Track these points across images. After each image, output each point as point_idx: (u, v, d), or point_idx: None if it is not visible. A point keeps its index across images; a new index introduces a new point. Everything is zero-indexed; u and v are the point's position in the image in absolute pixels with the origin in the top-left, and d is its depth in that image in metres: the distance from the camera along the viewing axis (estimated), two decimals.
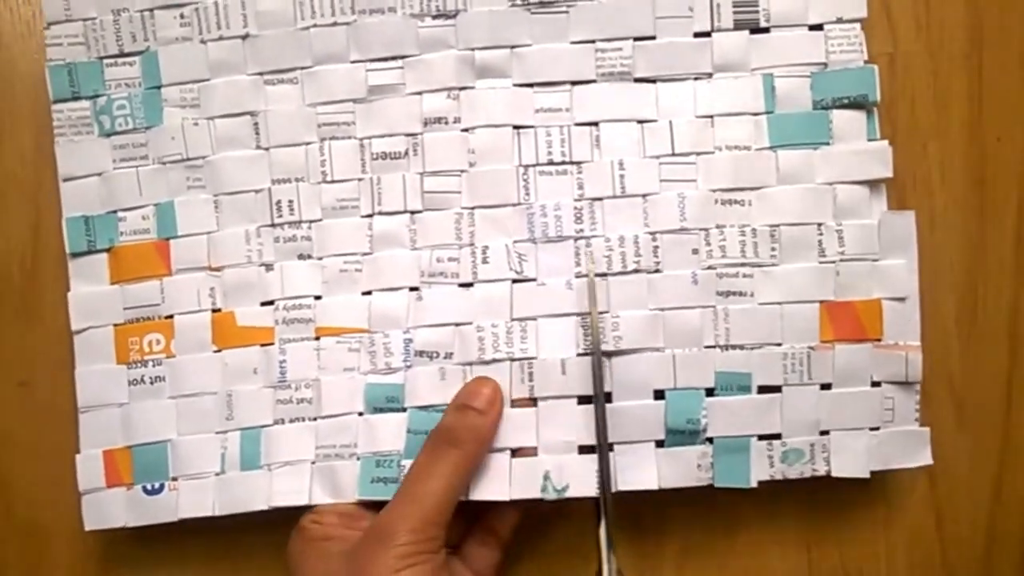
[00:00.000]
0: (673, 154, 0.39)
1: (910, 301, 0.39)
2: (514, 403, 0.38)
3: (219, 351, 0.40)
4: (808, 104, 0.39)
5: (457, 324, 0.39)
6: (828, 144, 0.39)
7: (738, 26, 0.40)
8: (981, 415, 0.41)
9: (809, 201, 0.39)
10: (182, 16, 0.40)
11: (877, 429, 0.39)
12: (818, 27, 0.39)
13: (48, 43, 0.40)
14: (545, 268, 0.39)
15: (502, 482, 0.38)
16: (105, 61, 0.40)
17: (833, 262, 0.39)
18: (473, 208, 0.40)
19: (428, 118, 0.40)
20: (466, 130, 0.40)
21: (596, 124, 0.40)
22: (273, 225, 0.40)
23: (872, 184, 0.39)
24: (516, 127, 0.40)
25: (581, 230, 0.39)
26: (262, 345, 0.40)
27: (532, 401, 0.39)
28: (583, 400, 0.38)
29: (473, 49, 0.40)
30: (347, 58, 0.40)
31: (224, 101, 0.40)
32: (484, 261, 0.39)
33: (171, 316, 0.40)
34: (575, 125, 0.40)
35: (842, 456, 0.38)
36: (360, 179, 0.40)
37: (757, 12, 0.40)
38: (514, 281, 0.39)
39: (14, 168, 0.42)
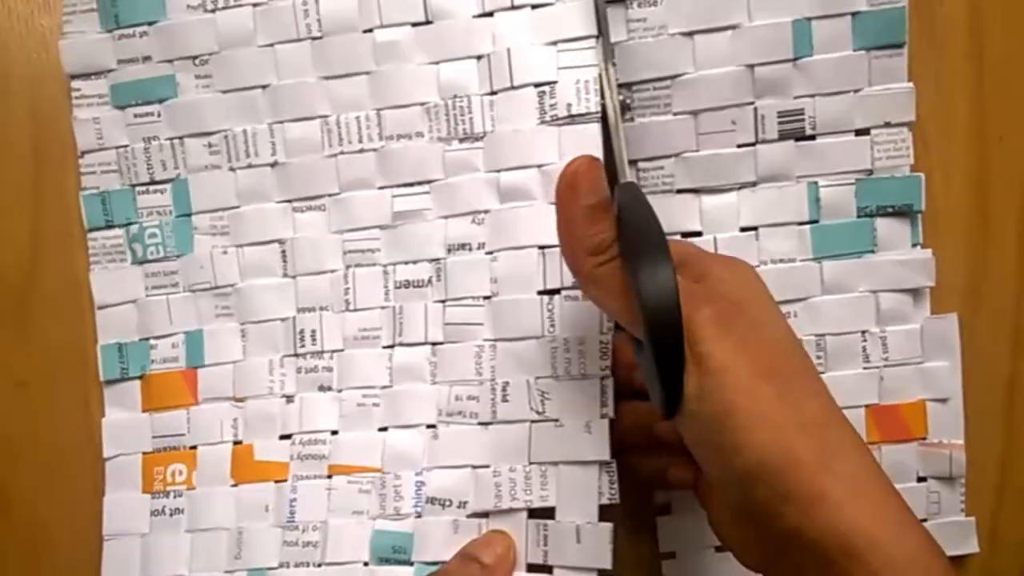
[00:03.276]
0: None
1: (953, 401, 0.39)
2: (530, 568, 0.36)
3: (236, 486, 0.39)
4: (852, 211, 0.38)
5: (474, 467, 0.37)
6: (872, 252, 0.38)
7: (783, 136, 0.38)
8: (983, 419, 0.39)
9: (853, 310, 0.38)
10: (211, 144, 0.40)
11: (925, 521, 0.38)
12: (865, 131, 0.38)
13: (83, 171, 0.41)
14: (568, 408, 0.36)
15: None
16: (137, 189, 0.41)
17: (877, 367, 0.38)
18: (495, 340, 0.38)
19: (452, 244, 0.38)
20: (490, 254, 0.38)
21: None
22: (296, 355, 0.40)
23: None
24: (541, 247, 0.37)
25: (607, 367, 0.36)
26: (276, 481, 0.39)
27: (547, 569, 0.36)
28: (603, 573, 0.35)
29: (499, 171, 0.38)
30: (374, 184, 0.39)
31: (253, 229, 0.40)
32: (504, 399, 0.37)
33: (195, 447, 0.40)
34: None
35: None
36: (383, 308, 0.39)
37: (803, 120, 0.38)
38: (533, 422, 0.37)
39: (12, 170, 0.42)
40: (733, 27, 0.38)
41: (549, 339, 0.37)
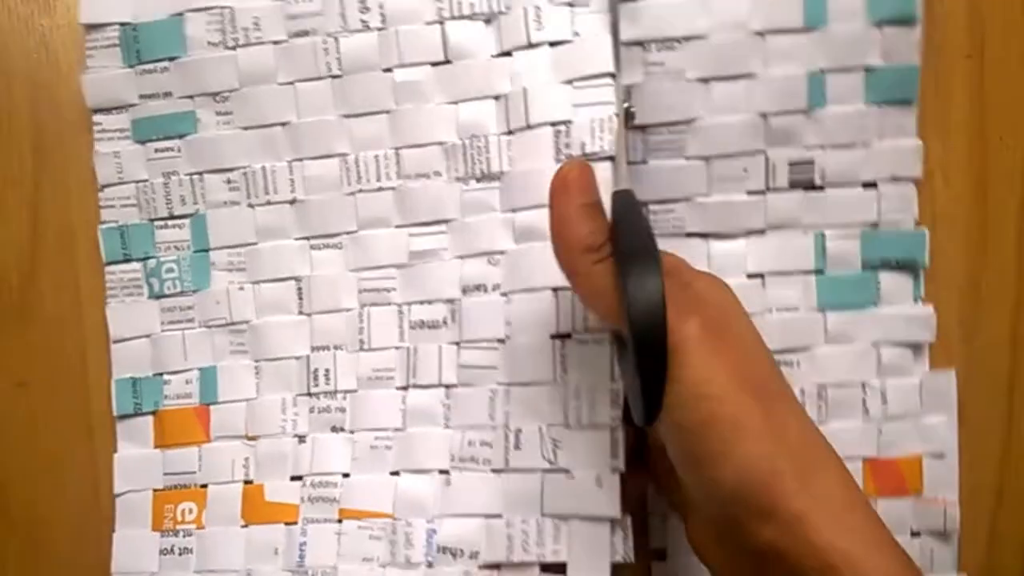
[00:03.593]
0: None
1: (949, 457, 0.39)
2: None
3: (246, 526, 0.39)
4: (857, 262, 0.38)
5: (486, 516, 0.36)
6: (875, 305, 0.38)
7: (793, 185, 0.38)
8: (982, 418, 0.40)
9: (855, 361, 0.38)
10: (230, 181, 0.40)
11: None
12: (872, 184, 0.38)
13: (102, 205, 0.41)
14: (579, 458, 0.36)
15: None
16: (156, 223, 0.41)
17: (876, 420, 0.39)
18: (509, 385, 0.37)
19: (467, 285, 0.38)
20: (505, 295, 0.37)
21: None
22: (310, 394, 0.39)
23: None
24: (555, 289, 0.37)
25: (617, 417, 0.35)
26: (286, 523, 0.38)
27: None
28: None
29: (515, 210, 0.37)
30: (391, 223, 0.39)
31: (270, 265, 0.40)
32: (517, 447, 0.36)
33: (205, 485, 0.40)
34: None
35: None
36: (397, 348, 0.39)
37: (813, 171, 0.38)
38: (545, 471, 0.36)
39: (12, 169, 0.42)
40: (749, 75, 0.38)
41: (560, 385, 0.36)
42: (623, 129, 0.35)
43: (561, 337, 0.37)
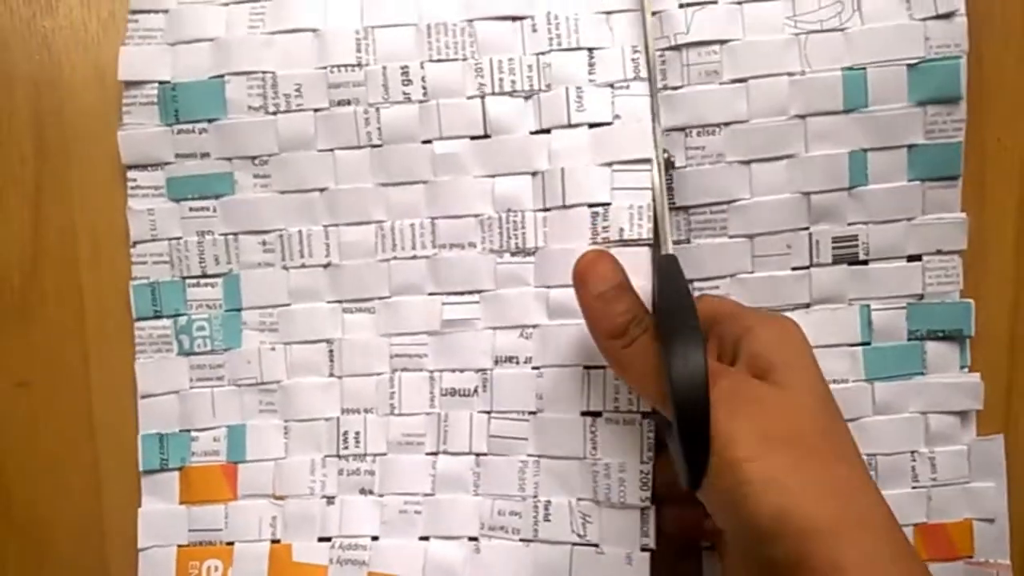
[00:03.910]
0: None
1: (1000, 521, 0.40)
2: None
3: None
4: (903, 334, 0.39)
5: None
6: (922, 374, 0.39)
7: (836, 260, 0.39)
8: (981, 418, 0.40)
9: (903, 430, 0.39)
10: (265, 243, 0.40)
11: None
12: (917, 257, 0.39)
13: (134, 261, 0.41)
14: (609, 535, 0.37)
15: None
16: (188, 281, 0.41)
17: (926, 487, 0.39)
18: (539, 457, 0.38)
19: (500, 356, 0.39)
20: (536, 368, 0.38)
21: None
22: (339, 456, 0.40)
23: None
24: (587, 367, 0.38)
25: (647, 497, 0.37)
26: None
27: None
28: None
29: (549, 287, 0.38)
30: (424, 290, 0.40)
31: (302, 327, 0.40)
32: (546, 519, 0.37)
33: (232, 543, 0.40)
34: None
35: None
36: (428, 414, 0.39)
37: (857, 246, 0.39)
38: (575, 544, 0.37)
39: (13, 168, 0.42)
40: (790, 156, 0.39)
41: (591, 462, 0.37)
42: (664, 193, 0.36)
43: (592, 415, 0.38)
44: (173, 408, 0.41)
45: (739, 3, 0.39)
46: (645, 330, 0.32)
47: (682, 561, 0.39)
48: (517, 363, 0.39)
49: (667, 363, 0.29)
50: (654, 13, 0.39)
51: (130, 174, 0.41)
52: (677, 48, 0.39)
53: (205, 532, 0.40)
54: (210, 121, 0.40)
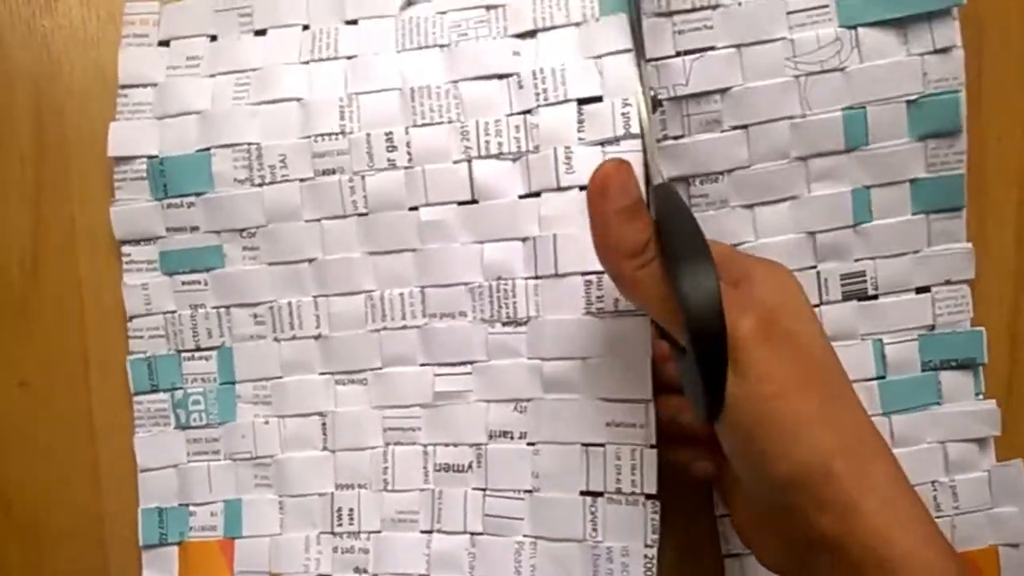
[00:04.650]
0: None
1: None
2: None
3: None
4: (917, 366, 0.39)
5: None
6: (938, 404, 0.39)
7: (846, 297, 0.39)
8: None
9: (923, 461, 0.39)
10: (256, 315, 0.40)
11: None
12: (925, 289, 0.39)
13: (130, 336, 0.41)
14: None
15: None
16: (183, 355, 0.41)
17: (949, 516, 0.39)
18: (536, 538, 0.36)
19: (494, 430, 0.38)
20: (532, 445, 0.37)
21: None
22: (333, 533, 0.39)
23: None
24: (585, 445, 0.36)
25: None
26: None
27: None
28: None
29: (543, 359, 0.37)
30: (416, 361, 0.39)
31: (295, 400, 0.40)
32: None
33: None
34: (647, 447, 0.36)
35: None
36: (422, 490, 0.38)
37: (865, 282, 0.39)
38: None
39: (13, 168, 0.42)
40: (793, 198, 0.38)
41: (591, 544, 0.36)
42: (650, 121, 0.35)
43: (592, 494, 0.36)
44: (171, 482, 0.41)
45: (738, 48, 0.37)
46: (657, 254, 0.30)
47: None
48: (512, 438, 0.37)
49: (679, 285, 0.27)
50: (650, 60, 0.37)
51: (124, 249, 0.41)
52: (677, 99, 0.38)
53: None
54: (198, 195, 0.40)
